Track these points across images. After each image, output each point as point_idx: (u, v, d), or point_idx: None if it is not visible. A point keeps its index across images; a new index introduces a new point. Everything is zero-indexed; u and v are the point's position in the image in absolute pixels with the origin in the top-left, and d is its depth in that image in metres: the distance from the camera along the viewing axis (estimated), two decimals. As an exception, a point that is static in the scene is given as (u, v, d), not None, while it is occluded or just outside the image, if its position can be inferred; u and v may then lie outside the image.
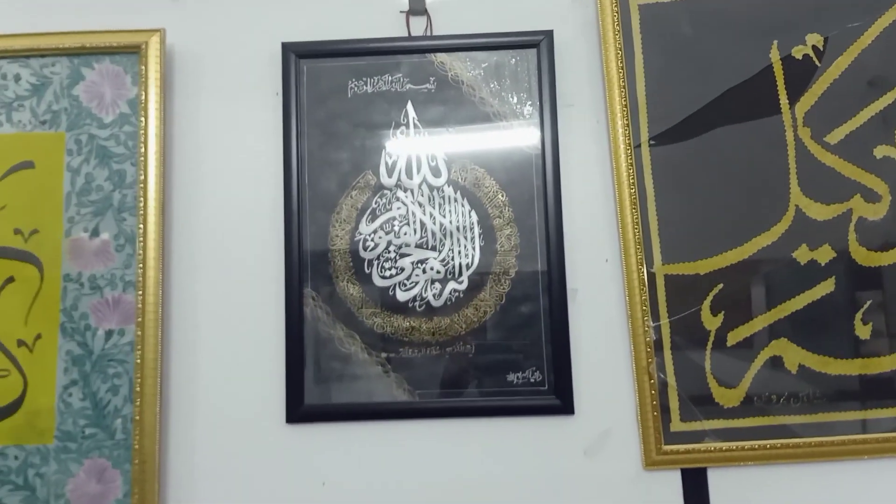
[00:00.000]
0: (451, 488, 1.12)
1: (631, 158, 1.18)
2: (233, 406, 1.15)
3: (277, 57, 1.22)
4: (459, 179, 1.20)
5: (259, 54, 1.23)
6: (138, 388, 1.12)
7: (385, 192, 1.20)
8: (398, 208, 1.20)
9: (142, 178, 1.17)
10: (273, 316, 1.17)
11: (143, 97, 1.19)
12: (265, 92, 1.23)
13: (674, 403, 1.12)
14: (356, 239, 1.19)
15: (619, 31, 1.22)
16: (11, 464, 1.11)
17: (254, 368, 1.16)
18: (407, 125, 1.22)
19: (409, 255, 1.18)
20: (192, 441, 1.14)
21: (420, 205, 1.20)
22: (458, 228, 1.18)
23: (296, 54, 1.22)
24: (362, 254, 1.19)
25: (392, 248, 1.19)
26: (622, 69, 1.21)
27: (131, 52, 1.20)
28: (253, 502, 1.12)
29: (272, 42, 1.23)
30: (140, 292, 1.14)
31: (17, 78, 1.20)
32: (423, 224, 1.19)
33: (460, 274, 1.17)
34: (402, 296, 1.18)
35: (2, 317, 1.15)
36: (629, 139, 1.19)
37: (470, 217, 1.19)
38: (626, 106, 1.20)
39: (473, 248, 1.18)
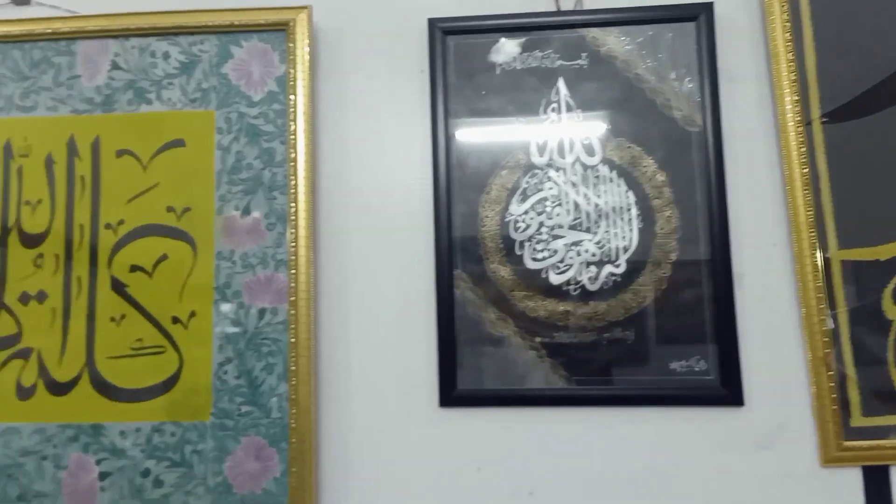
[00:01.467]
0: (609, 480, 1.05)
1: (802, 136, 1.08)
2: (384, 387, 1.10)
3: (423, 33, 1.15)
4: (615, 158, 1.11)
5: (404, 31, 1.16)
6: (293, 368, 1.08)
7: (536, 171, 1.12)
8: (550, 188, 1.12)
9: (292, 156, 1.11)
10: (423, 297, 1.11)
11: (292, 75, 1.13)
12: (411, 69, 1.16)
13: (854, 397, 1.02)
14: (507, 220, 1.12)
15: (785, 1, 1.11)
16: (168, 440, 1.09)
17: (405, 349, 1.10)
18: (558, 102, 1.13)
19: (562, 236, 1.11)
20: (344, 421, 1.09)
21: (573, 185, 1.11)
22: (614, 209, 1.10)
23: (442, 31, 1.15)
24: (513, 235, 1.11)
25: (544, 229, 1.11)
26: (790, 41, 1.10)
27: (279, 30, 1.15)
28: (407, 483, 1.08)
29: (418, 18, 1.16)
30: (293, 271, 1.09)
31: (167, 56, 1.16)
32: (576, 205, 1.11)
33: (617, 257, 1.09)
34: (555, 279, 1.10)
35: (156, 293, 1.12)
36: (799, 116, 1.08)
37: (627, 197, 1.10)
38: (794, 81, 1.08)
39: (631, 230, 1.10)
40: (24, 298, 1.13)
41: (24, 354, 1.12)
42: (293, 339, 1.08)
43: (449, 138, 1.13)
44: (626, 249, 1.09)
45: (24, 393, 1.11)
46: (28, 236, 1.14)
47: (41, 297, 1.13)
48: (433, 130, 1.13)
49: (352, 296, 1.12)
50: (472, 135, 1.13)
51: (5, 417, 1.11)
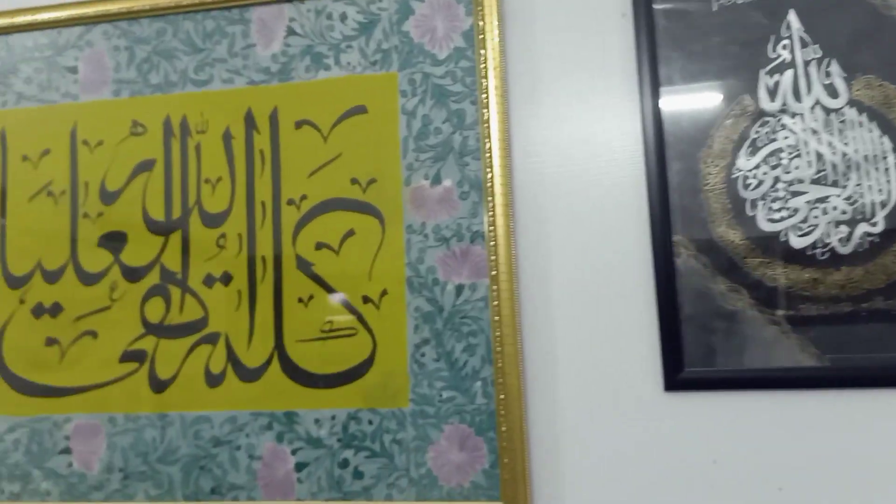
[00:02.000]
0: (874, 475, 0.90)
1: None
2: (597, 370, 0.97)
3: (623, -29, 1.03)
4: (864, 99, 0.93)
5: (602, -31, 1.05)
6: (498, 349, 0.96)
7: (767, 119, 0.96)
8: (785, 138, 0.95)
9: (485, 117, 1.00)
10: (638, 267, 0.96)
11: (481, 27, 1.02)
12: (608, 14, 1.03)
13: None
14: (734, 176, 0.96)
15: None
16: (366, 428, 1.00)
17: (619, 327, 0.96)
18: (790, 38, 0.97)
19: (803, 192, 0.94)
20: (554, 406, 0.97)
21: (814, 132, 0.95)
22: (866, 158, 0.93)
23: (648, -35, 1.02)
24: (743, 193, 0.95)
25: (780, 185, 0.95)
26: None
27: (464, -22, 1.05)
28: (630, 477, 0.94)
29: None
30: (492, 243, 0.98)
31: (344, 17, 1.07)
32: (819, 155, 0.94)
33: (873, 214, 0.92)
34: (797, 242, 0.94)
35: (344, 272, 1.04)
36: None
37: (881, 143, 0.93)
38: None
39: (889, 182, 0.93)
40: (209, 281, 1.07)
41: (212, 339, 1.06)
42: (496, 318, 0.97)
43: (658, 87, 0.99)
44: (883, 205, 0.91)
45: (214, 380, 1.05)
46: (209, 216, 1.08)
47: (226, 279, 1.07)
48: (640, 79, 0.99)
49: (554, 269, 0.99)
50: (688, 81, 0.97)
51: (195, 406, 1.05)
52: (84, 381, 1.08)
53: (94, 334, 1.09)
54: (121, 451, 1.05)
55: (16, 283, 1.12)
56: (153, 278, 1.08)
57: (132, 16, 1.12)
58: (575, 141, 1.01)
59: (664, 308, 0.95)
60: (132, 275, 1.09)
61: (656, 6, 0.99)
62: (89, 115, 1.13)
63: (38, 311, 1.11)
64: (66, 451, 1.07)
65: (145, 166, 1.11)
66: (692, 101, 0.97)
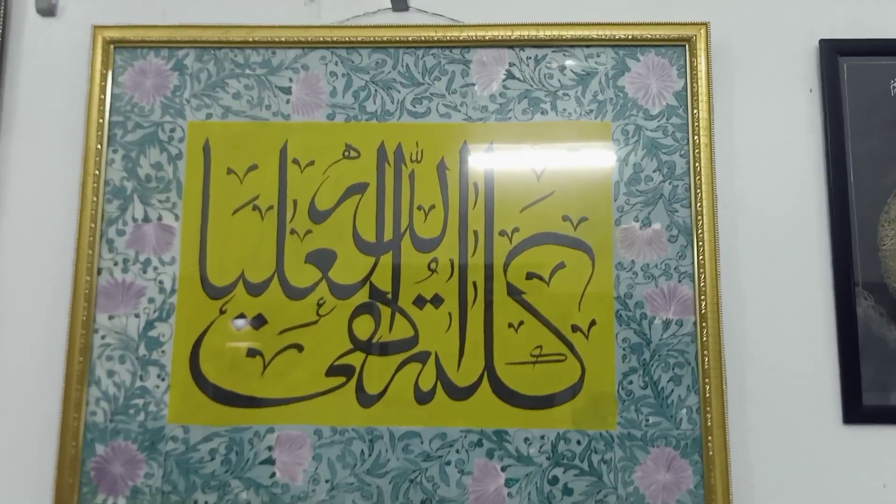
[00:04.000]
0: None
1: None
2: (786, 402, 1.03)
3: (811, 53, 1.11)
4: None
5: (794, 49, 1.11)
6: (707, 381, 1.00)
7: (935, 192, 1.07)
8: (950, 210, 1.07)
9: (697, 168, 1.05)
10: (822, 314, 1.04)
11: (694, 89, 1.07)
12: (798, 87, 1.11)
13: None
14: (907, 239, 1.06)
15: None
16: (574, 448, 1.01)
17: (805, 365, 1.04)
18: (955, 125, 1.08)
19: (966, 258, 1.05)
20: (748, 434, 1.02)
21: (974, 207, 1.06)
22: None
23: (836, 51, 1.10)
24: (914, 255, 1.06)
25: (946, 250, 1.06)
26: None
27: (678, 45, 1.09)
28: (814, 496, 1.01)
29: (808, 37, 1.11)
30: (702, 284, 1.02)
31: (563, 68, 1.10)
32: (979, 227, 1.06)
33: None
34: (961, 300, 1.05)
35: (554, 301, 1.05)
36: None
37: None
38: None
39: None
40: (420, 302, 1.06)
41: (422, 358, 1.05)
42: (705, 352, 1.01)
43: (843, 157, 1.08)
44: None
45: (423, 397, 1.04)
46: (421, 241, 1.08)
47: (437, 301, 1.06)
48: (828, 148, 1.08)
49: (749, 309, 1.05)
50: (868, 154, 1.06)
51: (405, 421, 1.03)
52: (287, 393, 1.04)
53: (299, 347, 1.05)
54: (327, 462, 1.02)
55: (216, 293, 1.07)
56: (362, 296, 1.07)
57: (352, 45, 1.11)
58: (767, 195, 1.08)
59: (845, 349, 1.03)
60: (341, 292, 1.07)
61: (843, 87, 1.08)
62: (301, 135, 1.10)
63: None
64: (269, 461, 1.02)
65: (357, 189, 1.09)
66: (872, 171, 1.07)
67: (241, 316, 1.05)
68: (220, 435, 1.03)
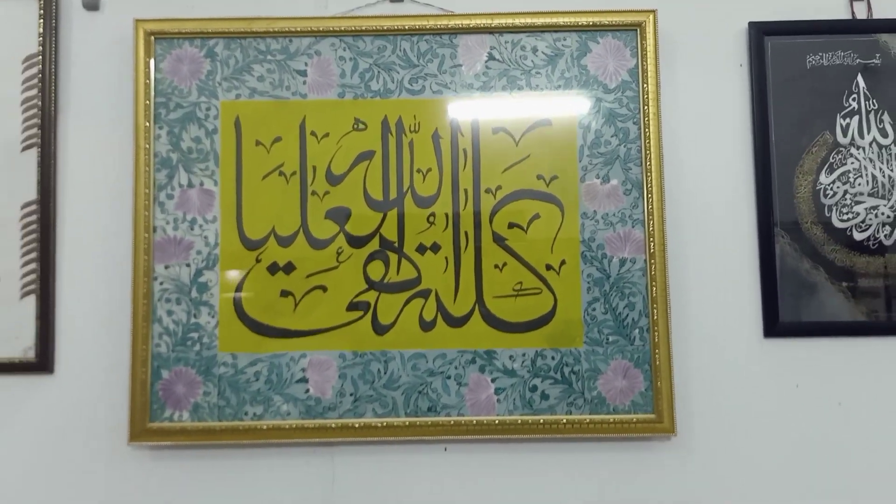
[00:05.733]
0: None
1: None
2: (718, 321, 1.21)
3: (741, 34, 1.25)
4: (904, 140, 1.23)
5: (726, 31, 1.25)
6: (655, 306, 1.17)
7: (840, 149, 1.22)
8: (852, 163, 1.22)
9: (647, 133, 1.20)
10: (748, 249, 1.21)
11: (644, 67, 1.21)
12: (730, 64, 1.25)
13: None
14: (817, 188, 1.22)
15: None
16: (549, 363, 1.19)
17: (733, 292, 1.21)
18: (857, 93, 1.23)
19: (862, 202, 1.21)
20: (687, 347, 1.20)
21: (871, 160, 1.22)
22: (904, 181, 1.22)
23: (762, 32, 1.24)
24: (822, 200, 1.22)
25: (848, 196, 1.21)
26: None
27: (629, 30, 1.22)
28: (739, 397, 1.20)
29: (738, 21, 1.24)
30: (651, 228, 1.19)
31: (535, 50, 1.24)
32: (873, 177, 1.22)
33: (908, 219, 1.21)
34: (857, 236, 1.21)
35: (531, 246, 1.21)
36: None
37: (915, 171, 1.22)
38: None
39: (919, 198, 1.21)
40: (421, 249, 1.22)
41: (424, 294, 1.21)
42: (654, 284, 1.18)
43: (766, 117, 1.23)
44: (915, 213, 1.22)
45: (426, 326, 1.20)
46: (421, 198, 1.23)
47: (435, 248, 1.22)
48: (753, 114, 1.23)
49: (688, 249, 1.22)
50: (787, 118, 1.21)
51: (412, 345, 1.20)
52: (316, 325, 1.21)
53: (323, 288, 1.21)
54: (350, 380, 1.19)
55: (252, 245, 1.22)
56: (374, 245, 1.22)
57: (357, 33, 1.24)
58: (702, 156, 1.24)
59: (766, 277, 1.21)
60: (356, 242, 1.22)
61: (767, 62, 1.23)
62: (317, 111, 1.24)
63: (272, 268, 1.21)
64: (303, 380, 1.19)
65: (366, 156, 1.23)
66: (790, 133, 1.22)
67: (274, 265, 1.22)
68: (262, 360, 1.20)
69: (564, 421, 1.18)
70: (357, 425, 1.18)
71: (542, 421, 1.19)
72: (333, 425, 1.18)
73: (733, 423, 1.20)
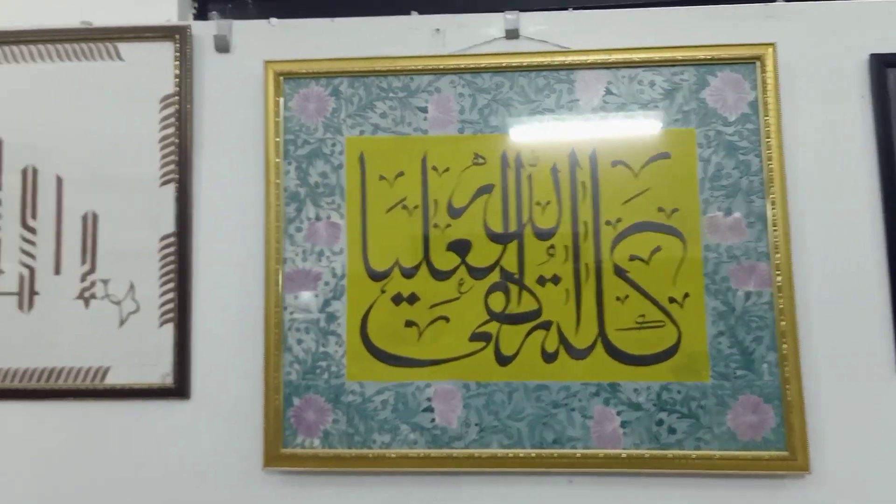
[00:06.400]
0: None
1: None
2: (848, 357, 1.14)
3: (862, 66, 1.20)
4: None
5: (847, 63, 1.21)
6: (784, 341, 1.13)
7: (972, 180, 1.18)
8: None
9: (770, 165, 1.17)
10: (876, 285, 1.15)
11: (765, 100, 1.18)
12: (851, 95, 1.20)
13: None
14: (948, 220, 1.18)
15: None
16: (675, 396, 1.15)
17: (862, 327, 1.15)
18: None
19: None
20: (818, 382, 1.14)
21: None
22: None
23: (884, 63, 1.21)
24: (954, 232, 1.17)
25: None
26: None
27: (748, 63, 1.19)
28: (868, 433, 1.14)
29: (859, 52, 1.20)
30: (778, 261, 1.15)
31: (652, 84, 1.22)
32: None
33: None
34: None
35: (654, 278, 1.18)
36: None
37: None
38: None
39: None
40: (541, 281, 1.20)
41: (546, 326, 1.19)
42: (782, 318, 1.13)
43: (891, 149, 1.18)
44: None
45: (549, 357, 1.18)
46: (540, 231, 1.21)
47: (555, 280, 1.20)
48: (877, 146, 1.18)
49: (814, 283, 1.17)
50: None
51: (535, 376, 1.17)
52: (440, 355, 1.19)
53: (446, 319, 1.20)
54: (475, 410, 1.17)
55: (377, 276, 1.22)
56: (494, 277, 1.20)
57: (476, 70, 1.23)
58: (828, 189, 1.19)
59: (897, 313, 1.16)
60: (477, 273, 1.21)
61: (890, 91, 1.20)
62: (437, 146, 1.24)
63: (397, 299, 1.21)
64: (429, 409, 1.18)
65: (485, 190, 1.22)
66: (915, 164, 1.18)
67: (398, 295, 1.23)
68: (389, 389, 1.19)
69: (694, 456, 1.13)
70: (485, 456, 1.15)
71: (670, 455, 1.14)
72: (461, 455, 1.16)
73: (868, 461, 1.13)
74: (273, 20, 1.29)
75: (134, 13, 1.33)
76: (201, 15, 1.44)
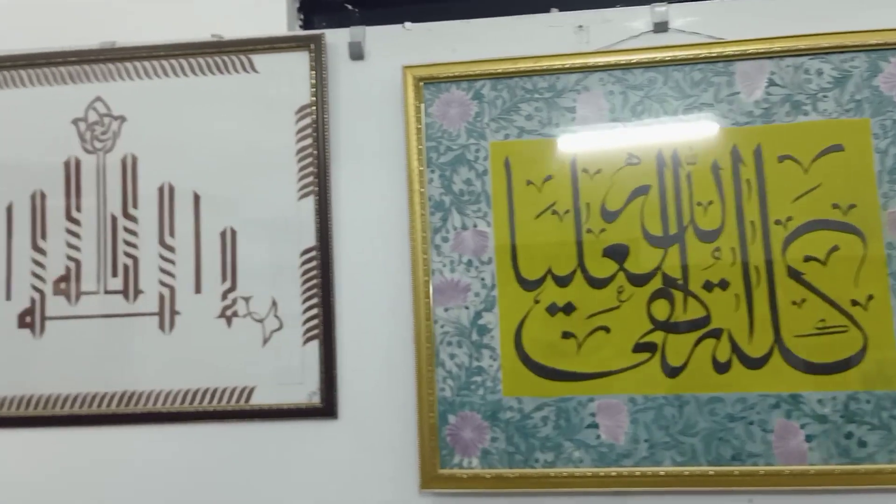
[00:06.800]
0: None
1: None
2: None
3: None
4: None
5: None
6: None
7: None
8: None
9: (958, 156, 1.10)
10: None
11: (949, 84, 1.12)
12: None
13: None
14: None
15: None
16: (865, 407, 1.07)
17: None
18: None
19: None
20: None
21: None
22: None
23: None
24: None
25: None
26: None
27: (929, 45, 1.13)
28: None
29: None
30: (974, 258, 1.08)
31: (820, 72, 1.14)
32: None
33: None
34: None
35: (833, 280, 1.10)
36: None
37: None
38: None
39: None
40: (708, 286, 1.12)
41: (716, 334, 1.11)
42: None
43: None
44: None
45: (721, 367, 1.10)
46: (703, 233, 1.13)
47: (723, 284, 1.12)
48: None
49: None
50: None
51: (707, 388, 1.10)
52: (602, 367, 1.13)
53: (606, 329, 1.14)
54: (643, 425, 1.11)
55: (529, 286, 1.16)
56: (656, 283, 1.14)
57: (627, 66, 1.18)
58: None
59: None
60: (637, 280, 1.14)
61: None
62: (587, 147, 1.20)
63: (552, 309, 1.15)
64: (593, 425, 1.12)
65: (641, 191, 1.16)
66: None
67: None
68: (549, 405, 1.13)
69: (889, 470, 1.05)
70: (657, 474, 1.10)
71: (862, 470, 1.06)
72: (631, 473, 1.10)
73: None
74: (408, 24, 1.25)
75: (236, 29, 1.29)
76: (307, 26, 1.42)
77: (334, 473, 1.17)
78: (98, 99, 1.27)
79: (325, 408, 1.17)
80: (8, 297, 1.25)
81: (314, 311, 1.19)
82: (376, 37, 1.26)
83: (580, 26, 1.23)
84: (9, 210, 1.27)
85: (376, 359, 1.18)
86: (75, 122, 1.27)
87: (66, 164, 1.26)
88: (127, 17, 1.34)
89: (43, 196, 1.26)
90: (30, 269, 1.25)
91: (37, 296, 1.25)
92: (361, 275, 1.21)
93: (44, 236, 1.26)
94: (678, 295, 1.13)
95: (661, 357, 1.12)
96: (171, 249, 1.23)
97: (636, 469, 1.09)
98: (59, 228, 1.26)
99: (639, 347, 1.13)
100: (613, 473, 1.09)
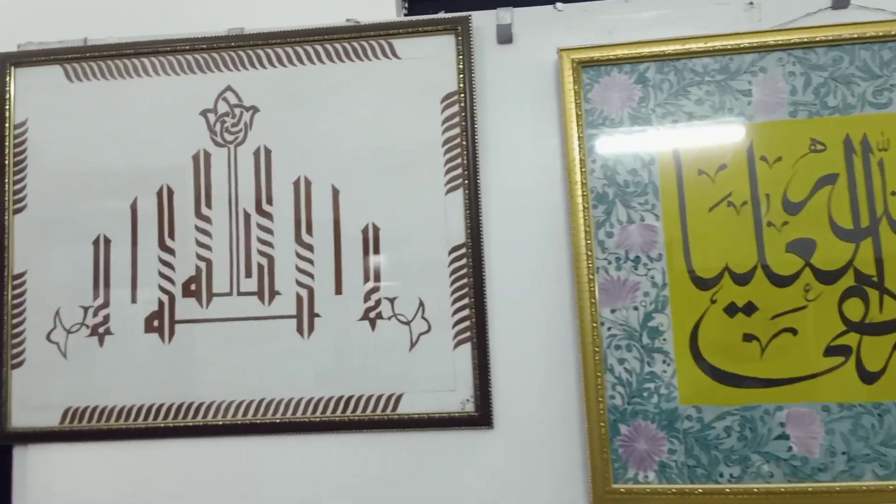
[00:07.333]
0: None
1: None
2: None
3: None
4: None
5: None
6: None
7: None
8: None
9: None
10: None
11: None
12: None
13: None
14: None
15: None
16: None
17: None
18: None
19: None
20: None
21: None
22: None
23: None
24: None
25: None
26: None
27: None
28: None
29: None
30: None
31: None
32: None
33: None
34: None
35: None
36: None
37: None
38: None
39: None
40: (907, 284, 1.06)
41: (921, 336, 1.04)
42: None
43: None
44: None
45: None
46: (901, 225, 1.07)
47: (923, 281, 1.06)
48: None
49: None
50: None
51: None
52: (789, 373, 1.04)
53: (793, 331, 1.05)
54: (840, 435, 1.02)
55: (704, 284, 1.07)
56: (848, 280, 1.04)
57: (808, 45, 1.09)
58: None
59: None
60: (825, 277, 1.05)
61: None
62: (765, 133, 1.08)
63: (731, 309, 1.06)
64: (783, 436, 1.02)
65: (828, 180, 1.07)
66: None
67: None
68: (732, 413, 1.04)
69: None
70: (861, 489, 0.98)
71: None
72: (832, 489, 1.00)
73: None
74: (559, 5, 1.17)
75: (342, 14, 1.21)
76: (412, 11, 1.33)
77: (492, 486, 1.09)
78: (228, 88, 1.20)
79: (481, 416, 1.09)
80: (133, 300, 1.20)
81: (465, 313, 1.11)
82: (525, 18, 1.17)
83: (750, 3, 1.13)
84: (133, 208, 1.21)
85: (533, 364, 1.10)
86: (204, 113, 1.20)
87: (195, 158, 1.20)
88: (234, 3, 1.28)
89: (170, 192, 1.20)
90: (157, 269, 1.20)
91: (165, 298, 1.19)
92: (515, 274, 1.13)
93: (171, 235, 1.19)
94: (873, 293, 1.04)
95: (857, 361, 1.03)
96: (308, 248, 1.16)
97: (835, 484, 1.00)
98: (188, 227, 1.19)
99: (830, 351, 1.03)
100: (809, 489, 1.00)
